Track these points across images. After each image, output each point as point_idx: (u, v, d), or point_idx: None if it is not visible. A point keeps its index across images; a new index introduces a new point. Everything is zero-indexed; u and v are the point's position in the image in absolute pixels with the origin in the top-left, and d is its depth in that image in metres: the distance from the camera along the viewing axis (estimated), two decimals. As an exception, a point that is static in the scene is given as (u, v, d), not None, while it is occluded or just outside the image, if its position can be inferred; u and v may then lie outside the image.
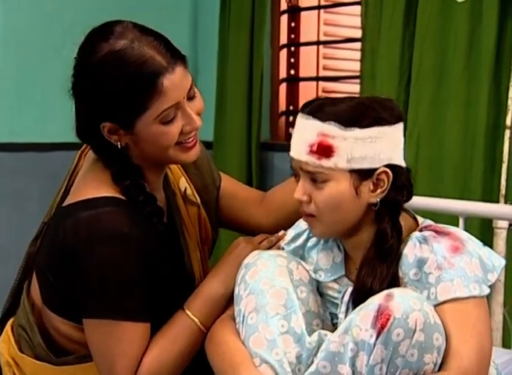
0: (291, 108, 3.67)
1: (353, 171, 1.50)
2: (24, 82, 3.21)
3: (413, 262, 1.52)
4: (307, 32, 3.72)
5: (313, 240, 1.67)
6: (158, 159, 1.63)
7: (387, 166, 1.51)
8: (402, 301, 1.39)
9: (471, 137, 2.61)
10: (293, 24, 3.66)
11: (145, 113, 1.53)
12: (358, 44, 3.51)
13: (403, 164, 1.55)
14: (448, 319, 1.45)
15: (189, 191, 1.78)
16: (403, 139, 1.56)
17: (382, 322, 1.37)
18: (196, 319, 1.60)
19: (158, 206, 1.61)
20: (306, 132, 1.53)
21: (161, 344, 1.58)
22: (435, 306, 1.47)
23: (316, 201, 1.53)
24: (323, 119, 1.50)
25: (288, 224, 1.72)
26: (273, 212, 1.85)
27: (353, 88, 3.66)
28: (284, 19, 3.66)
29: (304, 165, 1.52)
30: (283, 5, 3.66)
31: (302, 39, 3.69)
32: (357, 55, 3.62)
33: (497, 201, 2.41)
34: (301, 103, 3.91)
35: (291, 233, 1.71)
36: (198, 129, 1.60)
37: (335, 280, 1.63)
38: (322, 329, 1.58)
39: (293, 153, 1.55)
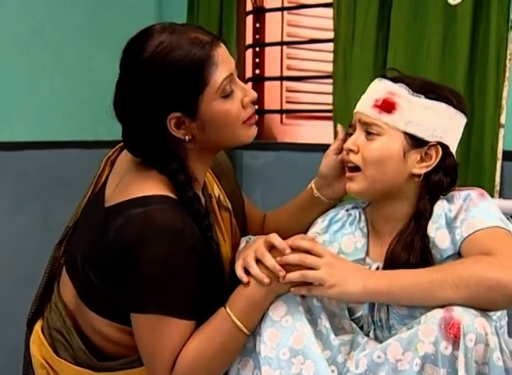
0: (257, 107, 3.70)
1: (407, 134, 1.60)
2: (-8, 81, 3.18)
3: (442, 213, 1.61)
4: (270, 32, 3.77)
5: (338, 224, 1.75)
6: (222, 142, 1.67)
7: (439, 143, 1.61)
8: (463, 310, 1.44)
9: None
10: (257, 25, 3.70)
11: (206, 88, 1.58)
12: (321, 45, 3.62)
13: (454, 152, 1.66)
14: (479, 245, 1.53)
15: (222, 197, 1.83)
16: (461, 133, 1.67)
17: (453, 331, 1.42)
18: (235, 320, 1.57)
19: (206, 209, 1.66)
20: (376, 90, 1.65)
21: (199, 341, 1.57)
22: (462, 243, 1.55)
23: (364, 152, 1.62)
24: (395, 81, 1.64)
25: None
26: None
27: (317, 88, 3.74)
28: (249, 19, 3.69)
29: (364, 117, 1.63)
30: (248, 6, 3.69)
31: (266, 39, 3.73)
32: (320, 55, 3.72)
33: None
34: (266, 102, 3.97)
35: (319, 222, 1.79)
36: (255, 99, 1.67)
37: (356, 261, 1.68)
38: (340, 325, 1.63)
39: (357, 108, 1.66)
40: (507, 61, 2.44)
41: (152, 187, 1.59)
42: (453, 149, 1.66)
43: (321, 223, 1.78)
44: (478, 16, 2.68)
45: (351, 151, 1.64)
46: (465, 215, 1.58)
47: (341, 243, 1.72)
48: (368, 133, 1.62)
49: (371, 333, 1.67)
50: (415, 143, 1.61)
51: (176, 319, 1.55)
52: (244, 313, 1.57)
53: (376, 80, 1.68)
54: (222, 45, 1.63)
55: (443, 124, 1.62)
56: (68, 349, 1.67)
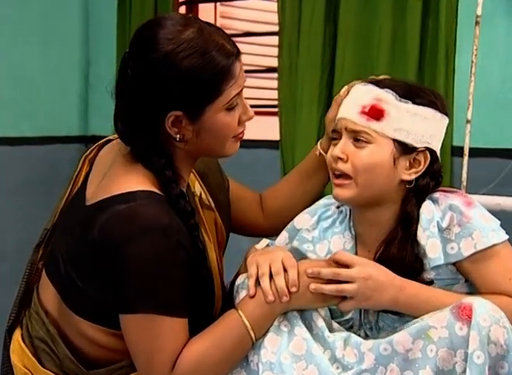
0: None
1: (396, 141, 1.57)
2: None
3: (431, 218, 1.58)
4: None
5: (328, 221, 1.71)
6: (210, 151, 1.64)
7: (427, 149, 1.59)
8: (473, 297, 1.48)
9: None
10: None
11: (218, 99, 1.54)
12: (258, 39, 3.56)
13: (438, 155, 1.64)
14: (482, 268, 1.55)
15: (203, 196, 1.77)
16: (443, 136, 1.64)
17: (466, 312, 1.43)
18: (247, 323, 1.51)
19: (192, 208, 1.60)
20: (361, 96, 1.60)
21: (205, 344, 1.51)
22: (462, 261, 1.55)
23: (354, 160, 1.57)
24: (381, 87, 1.59)
25: (283, 226, 1.75)
26: (272, 215, 1.89)
27: (254, 82, 3.67)
28: (182, 10, 3.59)
29: (352, 124, 1.58)
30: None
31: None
32: (256, 49, 3.66)
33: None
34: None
35: (308, 218, 1.72)
36: (251, 119, 1.63)
37: None
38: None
39: (342, 113, 1.61)
40: (473, 56, 2.44)
41: (136, 182, 1.54)
42: (438, 153, 1.64)
43: (310, 219, 1.72)
44: (427, 9, 2.68)
45: (340, 159, 1.59)
46: (460, 230, 1.55)
47: (331, 242, 1.68)
48: (357, 140, 1.58)
49: (362, 334, 1.64)
50: (404, 149, 1.58)
51: (169, 317, 1.48)
52: (256, 320, 1.52)
53: (360, 85, 1.62)
54: (241, 58, 1.58)
55: (430, 129, 1.59)
56: (54, 359, 1.60)
